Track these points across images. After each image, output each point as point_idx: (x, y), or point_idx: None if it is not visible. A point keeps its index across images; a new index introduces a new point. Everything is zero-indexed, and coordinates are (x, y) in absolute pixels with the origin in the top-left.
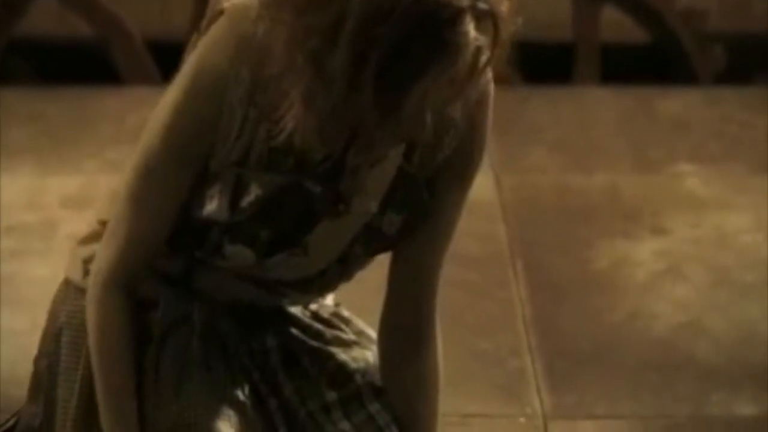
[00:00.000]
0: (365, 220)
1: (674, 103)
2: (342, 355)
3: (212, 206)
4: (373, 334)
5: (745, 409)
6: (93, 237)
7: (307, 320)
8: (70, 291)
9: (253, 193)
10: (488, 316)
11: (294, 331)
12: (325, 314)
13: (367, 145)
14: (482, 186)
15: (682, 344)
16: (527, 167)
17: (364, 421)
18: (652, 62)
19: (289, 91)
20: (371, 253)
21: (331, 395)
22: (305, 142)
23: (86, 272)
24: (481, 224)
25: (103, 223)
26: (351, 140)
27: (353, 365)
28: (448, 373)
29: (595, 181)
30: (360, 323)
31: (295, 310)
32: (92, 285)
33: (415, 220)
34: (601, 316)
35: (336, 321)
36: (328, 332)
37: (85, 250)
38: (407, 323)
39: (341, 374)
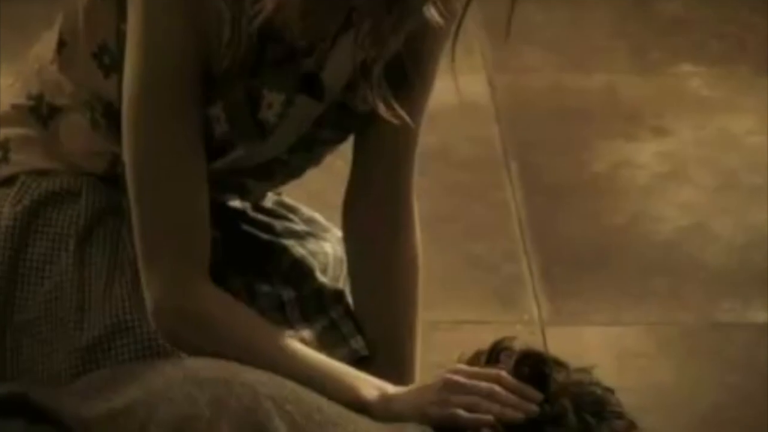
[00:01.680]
0: (331, 100)
1: (673, 1)
2: (298, 248)
3: (223, 127)
4: (322, 219)
5: (759, 315)
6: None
7: (252, 213)
8: None
9: (276, 102)
10: (482, 219)
11: (241, 226)
12: (269, 204)
13: (376, 34)
14: (475, 87)
15: (688, 248)
16: (521, 67)
17: (326, 327)
18: None
19: None
20: (340, 137)
21: (288, 293)
22: (286, 24)
23: None
24: (473, 126)
25: (16, 107)
26: (341, 28)
27: (311, 260)
28: (440, 279)
29: (592, 82)
30: (307, 210)
31: (236, 204)
32: (161, 317)
33: (395, 91)
34: (601, 219)
35: (282, 210)
36: (278, 224)
37: None
38: (379, 203)
39: (298, 269)
